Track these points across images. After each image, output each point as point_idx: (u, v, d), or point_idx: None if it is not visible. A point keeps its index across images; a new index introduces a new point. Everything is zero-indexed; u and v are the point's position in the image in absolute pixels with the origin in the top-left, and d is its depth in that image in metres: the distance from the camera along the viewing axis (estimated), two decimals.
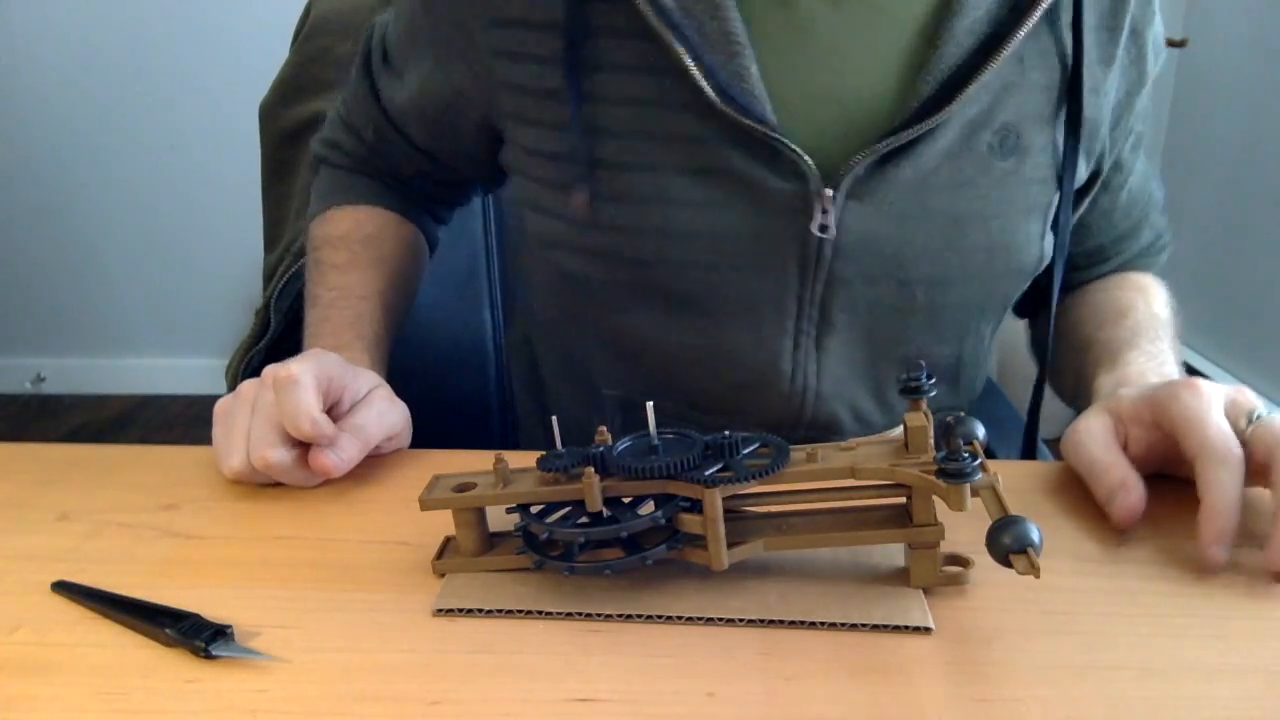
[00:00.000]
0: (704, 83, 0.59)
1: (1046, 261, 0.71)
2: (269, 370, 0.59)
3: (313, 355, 0.62)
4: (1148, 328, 0.71)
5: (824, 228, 0.62)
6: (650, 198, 0.63)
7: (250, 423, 0.59)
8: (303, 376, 0.58)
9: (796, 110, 0.62)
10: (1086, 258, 0.81)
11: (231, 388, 0.93)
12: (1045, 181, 0.66)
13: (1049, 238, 0.69)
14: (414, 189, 0.85)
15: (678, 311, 0.67)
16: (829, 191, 0.61)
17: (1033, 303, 0.85)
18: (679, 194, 0.63)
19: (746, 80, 0.60)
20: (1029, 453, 0.80)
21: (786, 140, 0.60)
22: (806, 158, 0.61)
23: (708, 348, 0.68)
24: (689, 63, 0.59)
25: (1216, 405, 0.53)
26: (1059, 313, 0.81)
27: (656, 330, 0.68)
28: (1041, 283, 0.82)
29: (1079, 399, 0.73)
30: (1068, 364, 0.78)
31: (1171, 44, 2.08)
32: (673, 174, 0.63)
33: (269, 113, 1.01)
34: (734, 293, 0.65)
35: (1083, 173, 0.70)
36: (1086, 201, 0.75)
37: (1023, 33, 0.61)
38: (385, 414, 0.63)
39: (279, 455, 0.58)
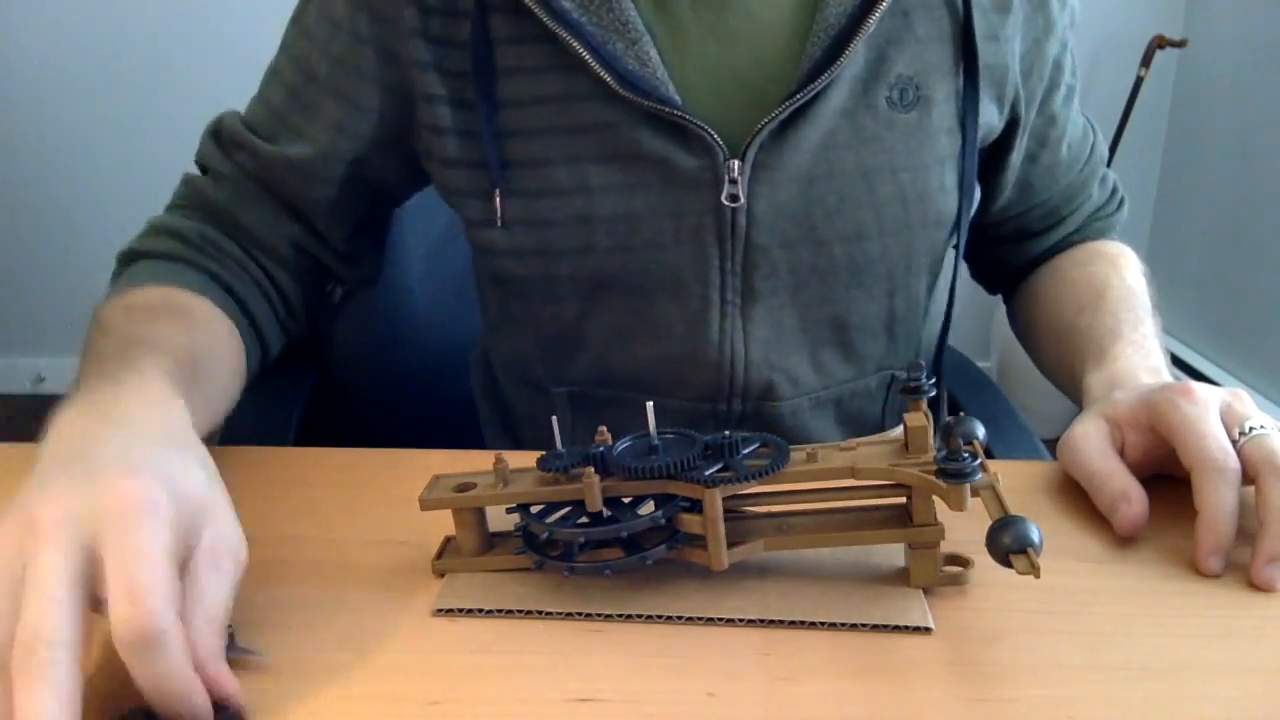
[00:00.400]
0: (605, 74, 0.62)
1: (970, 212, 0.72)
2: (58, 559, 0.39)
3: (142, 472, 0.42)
4: (1128, 309, 0.71)
5: (734, 198, 0.64)
6: (571, 189, 0.65)
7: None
8: (155, 575, 0.39)
9: (698, 86, 0.64)
10: (1041, 220, 0.81)
11: None
12: (953, 131, 0.68)
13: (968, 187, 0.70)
14: (263, 281, 0.73)
15: (607, 295, 0.69)
16: (735, 162, 0.64)
17: (1005, 278, 0.86)
18: (597, 181, 0.65)
19: (647, 64, 0.63)
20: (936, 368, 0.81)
21: (690, 117, 0.63)
22: (711, 132, 0.63)
23: (638, 326, 0.69)
24: (587, 57, 0.62)
25: (1214, 413, 0.53)
26: (1035, 296, 0.82)
27: (590, 317, 0.70)
28: (1011, 261, 0.84)
29: (1068, 390, 0.74)
30: (1051, 352, 0.78)
31: (1171, 44, 2.08)
32: (589, 163, 0.65)
33: None
34: (658, 270, 0.67)
35: (995, 120, 0.71)
36: (1016, 156, 0.75)
37: None
38: (235, 555, 0.44)
39: None
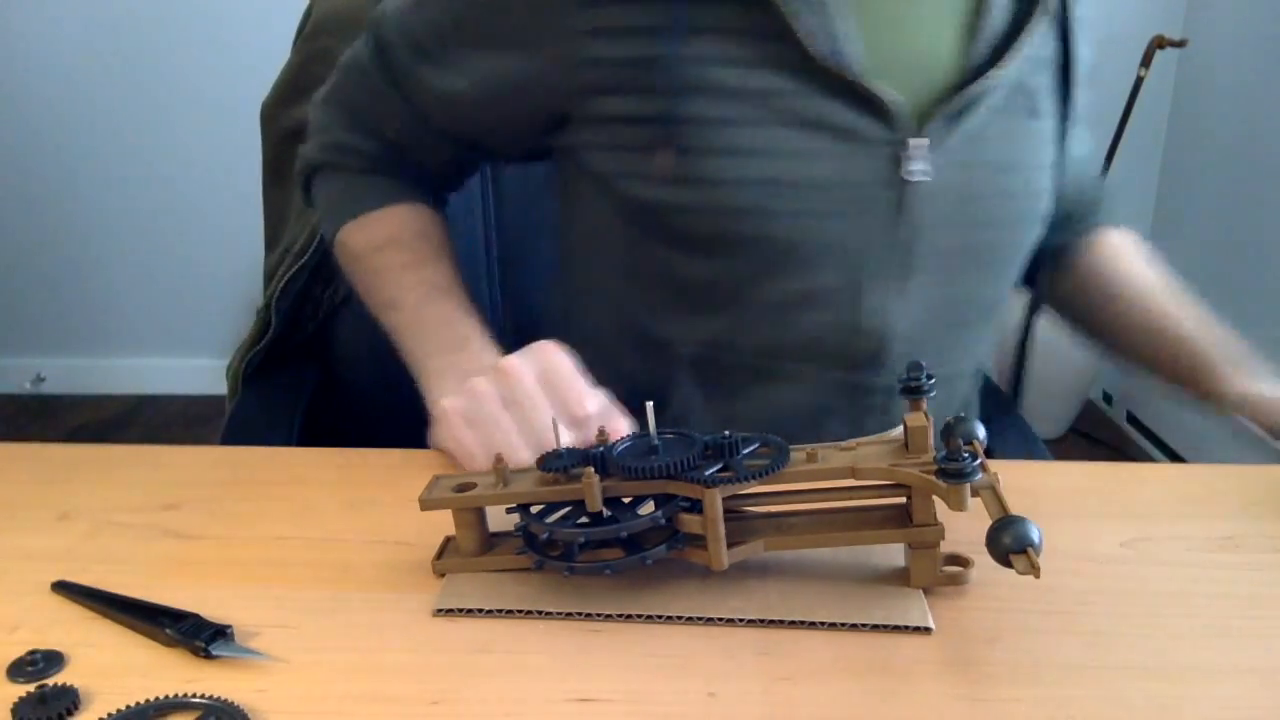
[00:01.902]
0: (807, 44, 0.65)
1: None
2: (523, 365, 0.62)
3: (535, 351, 0.64)
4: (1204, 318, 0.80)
5: (910, 173, 0.68)
6: (751, 150, 0.68)
7: (524, 416, 0.60)
8: (567, 361, 0.61)
9: (884, 66, 0.68)
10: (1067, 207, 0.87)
11: (232, 388, 0.93)
12: (1053, 142, 0.74)
13: None
14: (426, 177, 0.84)
15: (771, 259, 0.70)
16: (916, 139, 0.67)
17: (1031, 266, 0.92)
18: (780, 145, 0.67)
19: (845, 40, 0.66)
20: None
21: (883, 92, 0.66)
22: (900, 105, 0.67)
23: (798, 293, 0.71)
24: (795, 25, 0.65)
25: None
26: (1061, 280, 0.89)
27: (748, 280, 0.71)
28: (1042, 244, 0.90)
29: (1151, 363, 0.83)
30: (1100, 315, 0.87)
31: (1171, 44, 2.08)
32: (774, 126, 0.67)
33: (270, 113, 1.01)
34: (828, 239, 0.69)
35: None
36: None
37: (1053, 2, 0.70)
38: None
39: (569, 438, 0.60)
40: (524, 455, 0.59)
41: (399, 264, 0.77)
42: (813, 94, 0.66)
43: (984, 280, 0.75)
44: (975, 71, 0.68)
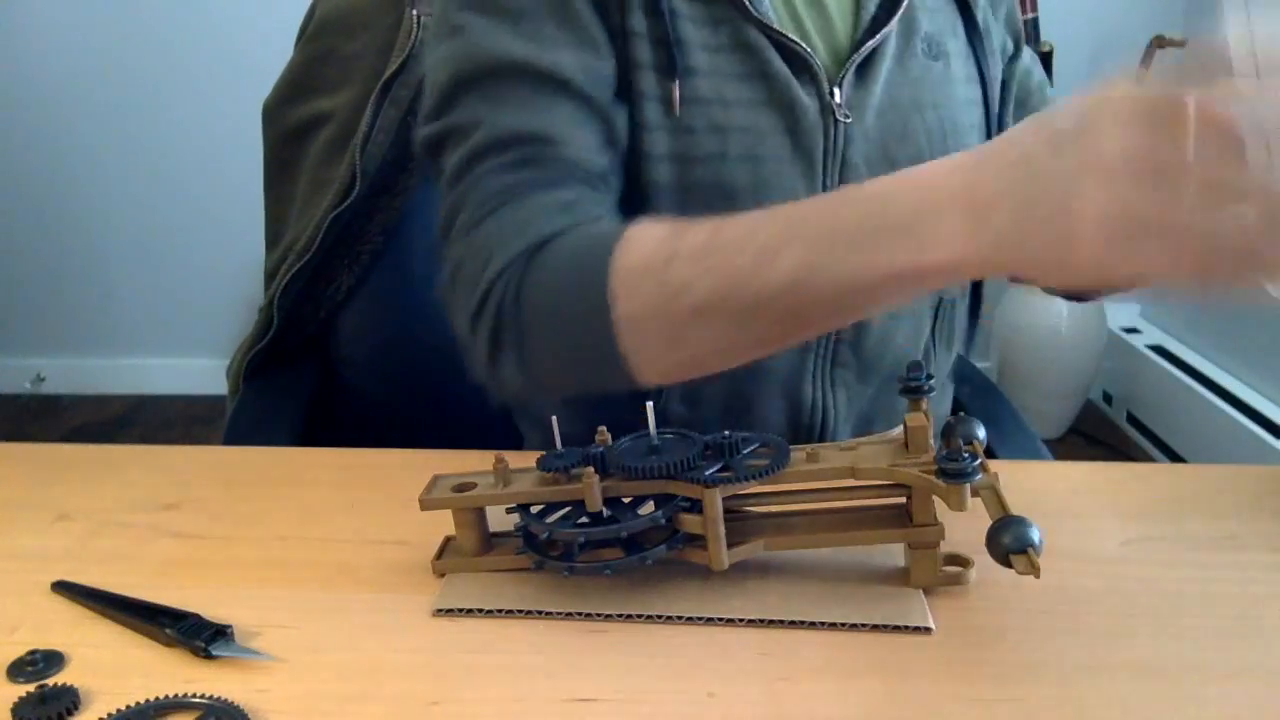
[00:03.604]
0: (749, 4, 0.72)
1: None
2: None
3: None
4: None
5: (836, 120, 0.74)
6: (713, 100, 0.74)
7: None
8: None
9: (801, 29, 0.76)
10: None
11: (233, 387, 0.93)
12: (971, 80, 0.81)
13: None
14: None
15: (725, 205, 0.72)
16: (837, 89, 0.74)
17: None
18: (732, 95, 0.74)
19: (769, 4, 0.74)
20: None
21: (808, 50, 0.73)
22: (816, 56, 0.74)
23: None
24: None
25: None
26: None
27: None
28: None
29: None
30: None
31: (1172, 44, 2.08)
32: (731, 79, 0.74)
33: (273, 112, 1.01)
34: (773, 181, 0.74)
35: (995, 73, 0.84)
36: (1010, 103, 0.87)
37: None
38: None
39: None
40: None
41: (704, 241, 0.60)
42: (759, 49, 0.73)
43: None
44: (874, 25, 0.75)
